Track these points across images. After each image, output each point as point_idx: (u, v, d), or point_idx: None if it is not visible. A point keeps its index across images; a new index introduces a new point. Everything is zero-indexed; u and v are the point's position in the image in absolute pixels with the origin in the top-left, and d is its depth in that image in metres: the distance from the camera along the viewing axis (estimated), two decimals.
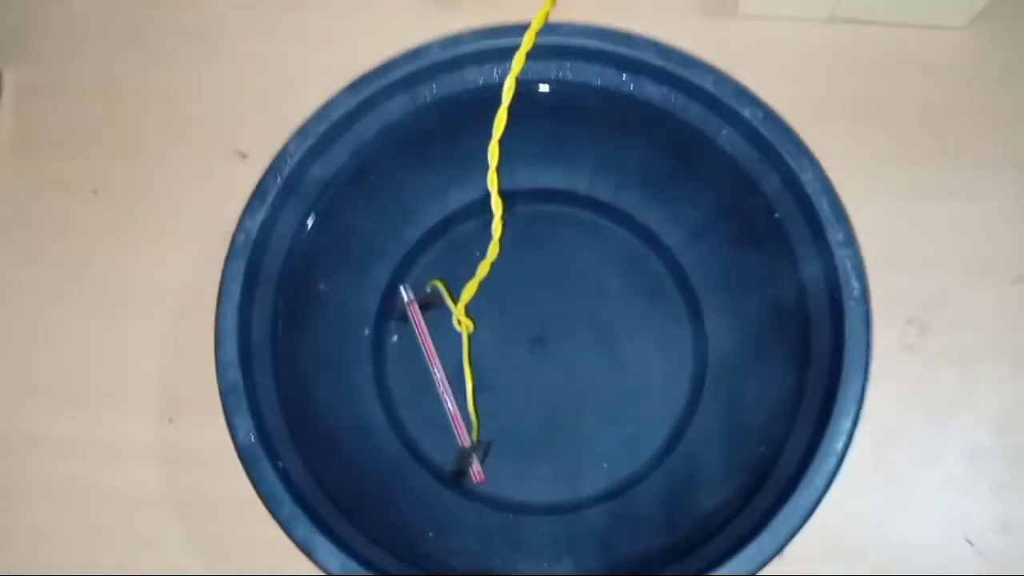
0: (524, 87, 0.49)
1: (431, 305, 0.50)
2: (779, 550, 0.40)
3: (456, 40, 0.48)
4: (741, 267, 0.48)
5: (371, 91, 0.46)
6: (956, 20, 0.52)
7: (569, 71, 0.48)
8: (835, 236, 0.43)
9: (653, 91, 0.48)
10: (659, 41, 0.47)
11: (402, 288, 0.50)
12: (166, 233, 0.52)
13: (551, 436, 0.49)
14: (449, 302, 0.48)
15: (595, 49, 0.47)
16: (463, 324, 0.47)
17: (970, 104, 0.52)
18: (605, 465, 0.48)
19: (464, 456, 0.47)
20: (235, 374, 0.43)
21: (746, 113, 0.45)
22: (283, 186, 0.46)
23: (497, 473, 0.48)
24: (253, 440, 0.42)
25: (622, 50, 0.47)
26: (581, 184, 0.52)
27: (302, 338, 0.47)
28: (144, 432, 0.49)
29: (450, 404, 0.48)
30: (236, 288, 0.44)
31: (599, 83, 0.48)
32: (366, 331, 0.50)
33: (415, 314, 0.49)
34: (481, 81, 0.48)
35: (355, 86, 0.46)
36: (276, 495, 0.41)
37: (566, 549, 0.47)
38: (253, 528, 0.42)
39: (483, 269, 0.47)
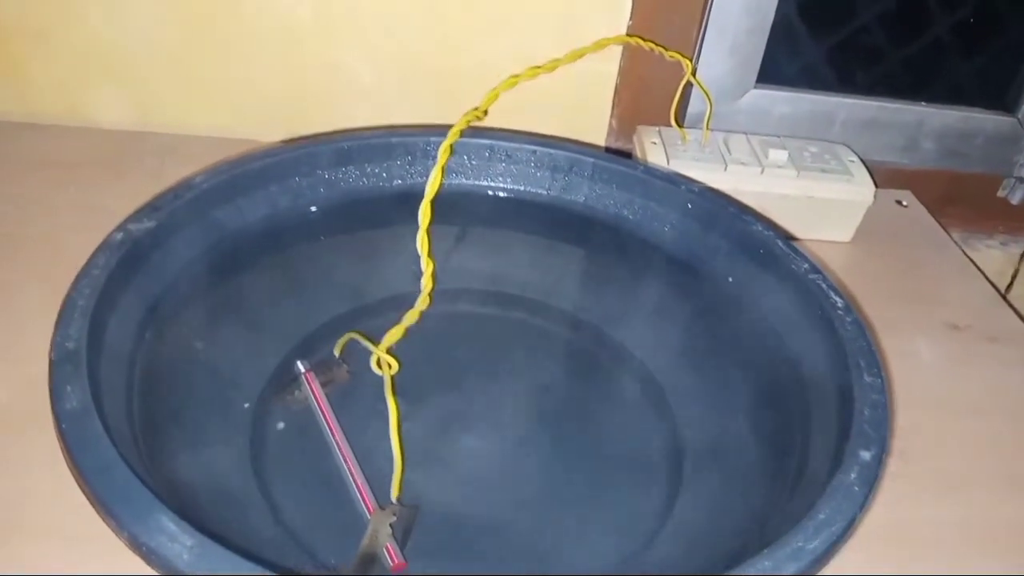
0: (468, 190, 0.48)
1: (331, 382, 0.40)
2: None
3: (388, 134, 0.47)
4: (701, 336, 0.43)
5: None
6: (841, 237, 0.58)
7: (504, 176, 0.48)
8: (801, 266, 0.40)
9: (587, 193, 0.48)
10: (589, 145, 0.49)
11: (298, 362, 0.40)
12: None
13: (494, 535, 0.35)
14: (368, 344, 0.38)
15: (532, 151, 0.48)
16: (384, 364, 0.37)
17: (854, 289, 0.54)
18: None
19: (375, 531, 0.33)
20: (75, 345, 0.31)
21: (682, 189, 0.45)
22: (183, 205, 0.40)
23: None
24: (81, 406, 0.29)
25: (555, 152, 0.48)
26: (515, 283, 0.47)
27: (162, 385, 0.36)
28: None
29: (351, 467, 0.35)
30: (99, 276, 0.35)
31: (538, 188, 0.48)
32: (246, 405, 0.38)
33: (311, 382, 0.39)
34: (397, 182, 0.47)
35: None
36: (103, 454, 0.27)
37: None
38: None
39: (410, 316, 0.40)
